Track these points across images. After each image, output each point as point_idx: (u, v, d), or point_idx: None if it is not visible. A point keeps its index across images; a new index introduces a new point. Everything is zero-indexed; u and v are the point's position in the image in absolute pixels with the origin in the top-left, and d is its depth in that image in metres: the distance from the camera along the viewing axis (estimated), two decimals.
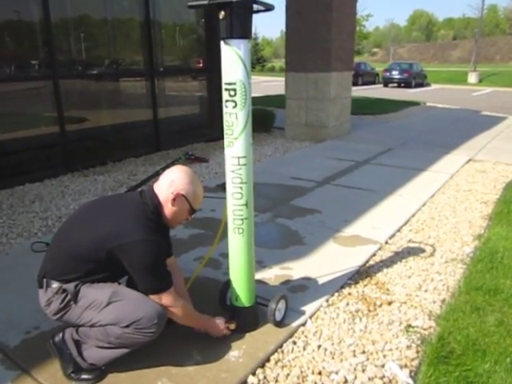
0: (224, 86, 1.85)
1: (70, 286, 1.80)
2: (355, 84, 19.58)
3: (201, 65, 7.48)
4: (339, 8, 6.92)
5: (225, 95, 1.86)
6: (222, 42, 1.80)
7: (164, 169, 5.04)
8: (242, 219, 2.02)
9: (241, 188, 1.97)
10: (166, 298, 1.81)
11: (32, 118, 5.20)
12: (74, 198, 4.28)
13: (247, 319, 2.18)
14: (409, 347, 2.12)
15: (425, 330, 2.25)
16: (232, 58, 1.79)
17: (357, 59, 29.02)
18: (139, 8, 6.08)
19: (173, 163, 5.33)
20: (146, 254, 1.74)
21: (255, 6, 1.80)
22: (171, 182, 1.87)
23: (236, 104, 1.84)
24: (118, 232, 1.74)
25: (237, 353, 2.03)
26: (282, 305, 2.24)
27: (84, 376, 1.85)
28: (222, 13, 1.73)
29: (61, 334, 1.90)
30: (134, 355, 1.99)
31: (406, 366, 2.00)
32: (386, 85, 25.32)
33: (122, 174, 5.16)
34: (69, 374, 1.86)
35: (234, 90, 1.82)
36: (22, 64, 5.17)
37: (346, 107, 7.82)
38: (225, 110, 1.88)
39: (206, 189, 4.55)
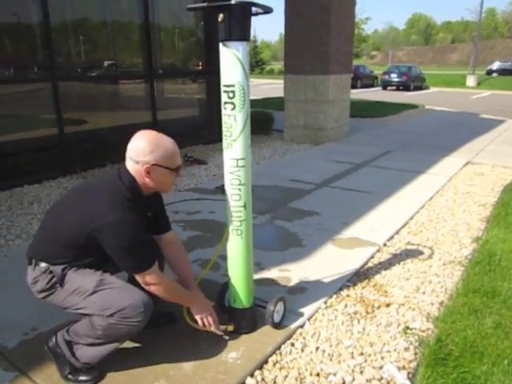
0: (223, 88, 1.86)
1: (57, 269, 1.79)
2: (354, 87, 19.58)
3: (200, 67, 7.49)
4: (338, 11, 6.94)
5: (223, 97, 1.87)
6: (220, 45, 1.80)
7: None
8: (240, 221, 2.02)
9: (239, 190, 1.97)
10: (148, 277, 1.77)
11: (31, 120, 5.20)
12: None
13: (245, 320, 2.19)
14: (407, 349, 2.12)
15: (423, 331, 2.25)
16: (231, 60, 1.80)
17: (355, 62, 29.11)
18: (138, 10, 6.09)
19: None
20: (121, 235, 1.69)
21: (254, 9, 1.80)
22: (136, 157, 1.77)
23: (235, 106, 1.85)
24: (93, 215, 1.69)
25: (235, 354, 2.03)
26: (280, 306, 2.24)
27: (82, 377, 1.85)
28: (221, 15, 1.74)
29: (54, 338, 1.90)
30: (131, 356, 1.99)
31: (403, 367, 2.00)
32: (384, 88, 25.36)
33: None
34: (66, 375, 1.85)
35: (233, 92, 1.83)
36: (21, 66, 5.17)
37: (344, 110, 7.84)
38: (223, 111, 1.89)
39: (205, 191, 4.56)
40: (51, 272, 1.79)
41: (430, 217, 3.91)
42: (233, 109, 1.86)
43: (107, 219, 1.67)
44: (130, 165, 1.79)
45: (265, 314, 2.19)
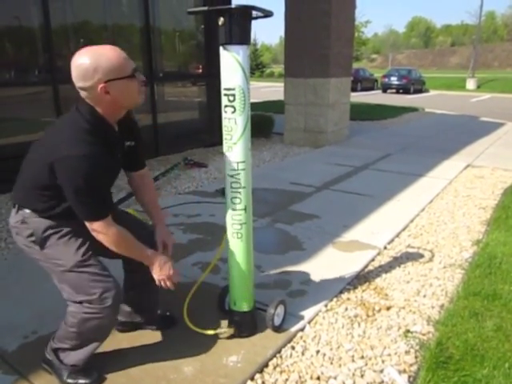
0: (223, 92, 1.87)
1: (39, 228, 1.70)
2: (354, 90, 19.62)
3: (200, 70, 7.51)
4: (338, 15, 6.96)
5: (224, 100, 1.87)
6: (221, 48, 1.81)
7: (163, 174, 5.07)
8: (240, 224, 2.03)
9: (240, 193, 1.97)
10: (97, 224, 1.64)
11: (32, 123, 5.21)
12: None
13: (245, 324, 2.18)
14: (407, 352, 2.11)
15: (423, 335, 2.25)
16: (231, 63, 1.80)
17: (356, 65, 29.18)
18: (139, 14, 6.12)
19: (172, 168, 5.35)
20: (74, 171, 1.54)
21: (254, 13, 1.81)
22: (85, 82, 1.57)
23: (235, 109, 1.85)
24: (51, 149, 1.59)
25: (235, 358, 2.02)
26: (280, 310, 2.24)
27: (81, 381, 1.85)
28: (222, 19, 1.74)
29: (45, 350, 1.91)
30: (132, 359, 1.99)
31: (404, 371, 1.99)
32: (384, 91, 25.42)
33: (121, 178, 5.16)
34: (65, 380, 1.85)
35: (233, 95, 1.84)
36: (22, 69, 5.18)
37: (344, 113, 7.85)
38: (224, 115, 1.89)
39: (205, 194, 4.56)
40: (31, 233, 1.71)
41: (430, 220, 3.91)
42: (233, 112, 1.86)
43: (63, 152, 1.55)
44: (84, 94, 1.62)
45: (265, 317, 2.19)
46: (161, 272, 1.81)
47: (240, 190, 1.97)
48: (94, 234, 1.66)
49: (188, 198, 4.41)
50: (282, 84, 7.73)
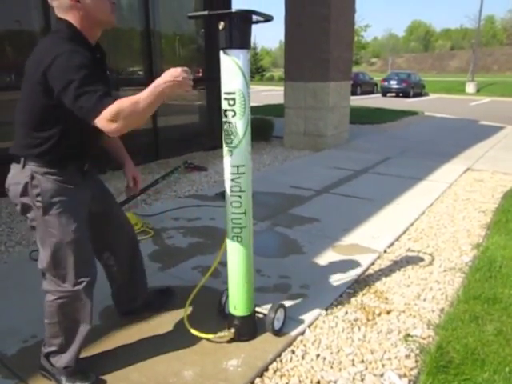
0: (223, 96, 1.87)
1: (47, 193, 1.68)
2: (354, 93, 19.67)
3: (200, 74, 7.52)
4: (337, 19, 6.98)
5: (224, 104, 1.88)
6: (221, 52, 1.82)
7: (163, 177, 5.07)
8: (240, 227, 2.03)
9: (239, 197, 1.98)
10: (107, 112, 1.49)
11: None
12: None
13: (245, 328, 2.18)
14: (408, 356, 2.11)
15: (424, 339, 2.25)
16: (231, 67, 1.81)
17: (355, 69, 29.22)
18: (139, 17, 6.14)
19: (172, 172, 5.36)
20: (67, 63, 1.50)
21: (254, 17, 1.82)
22: None
23: (235, 113, 1.86)
24: (40, 60, 1.56)
25: (235, 362, 2.02)
26: (280, 314, 2.23)
27: (78, 383, 1.85)
28: (222, 23, 1.75)
29: (40, 357, 1.92)
30: (132, 364, 1.99)
31: (404, 375, 1.99)
32: (384, 94, 25.46)
33: (121, 182, 5.16)
34: None
35: (233, 99, 1.84)
36: (22, 73, 5.19)
37: (344, 116, 7.86)
38: (224, 118, 1.90)
39: (205, 197, 4.56)
40: (39, 193, 1.68)
41: (430, 223, 3.91)
42: (233, 116, 1.87)
43: (52, 55, 1.52)
44: (56, 3, 1.63)
45: (265, 322, 2.19)
46: (169, 76, 1.63)
47: (240, 193, 1.97)
48: (111, 127, 1.51)
49: (188, 202, 4.41)
50: (282, 88, 7.75)
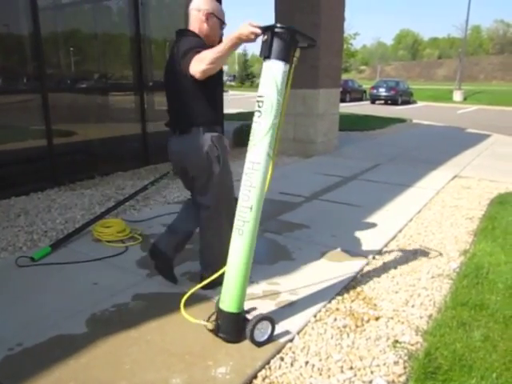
0: (256, 98, 2.03)
1: (224, 150, 2.46)
2: (343, 101, 19.84)
3: None
4: (327, 27, 7.05)
5: (255, 106, 2.04)
6: (263, 60, 1.99)
7: (152, 183, 5.04)
8: (243, 221, 2.08)
9: (249, 191, 2.06)
10: (207, 61, 2.15)
11: (19, 131, 5.17)
12: (61, 212, 4.24)
13: (228, 326, 2.16)
14: (396, 363, 2.11)
15: (412, 345, 2.25)
16: (265, 74, 1.99)
17: (344, 76, 29.47)
18: (129, 23, 6.13)
19: (161, 178, 5.33)
20: (190, 41, 2.31)
21: (300, 41, 2.00)
22: (198, 6, 2.40)
23: (261, 114, 2.00)
24: (178, 52, 2.32)
25: (224, 369, 2.00)
26: (262, 325, 2.17)
27: None
28: (264, 36, 1.96)
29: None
30: (118, 374, 1.96)
31: (393, 381, 1.99)
32: (373, 102, 25.70)
33: (110, 188, 5.14)
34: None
35: (262, 102, 2.00)
36: (11, 77, 5.15)
37: (333, 123, 7.91)
38: (253, 118, 2.05)
39: None
40: (219, 154, 2.41)
41: (418, 230, 3.94)
42: (259, 116, 2.01)
43: (185, 42, 2.33)
44: (194, 14, 2.41)
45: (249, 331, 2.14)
46: (247, 30, 1.99)
47: (250, 188, 2.05)
48: (202, 66, 2.16)
49: (177, 208, 4.38)
50: None
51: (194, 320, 2.24)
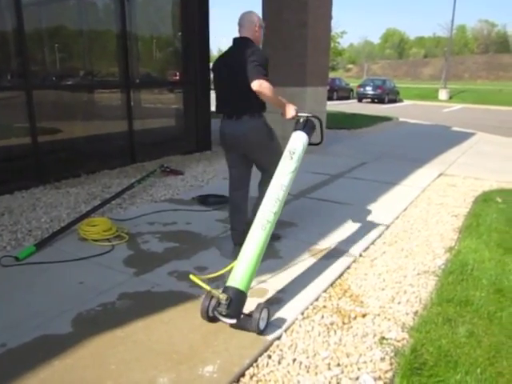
0: (287, 149, 2.92)
1: (271, 128, 3.38)
2: (330, 99, 19.88)
3: (177, 77, 7.48)
4: (315, 25, 7.05)
5: (287, 155, 2.88)
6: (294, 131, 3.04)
7: (139, 181, 5.01)
8: (267, 221, 2.54)
9: (276, 202, 2.63)
10: (264, 79, 2.94)
11: (3, 129, 5.08)
12: (46, 210, 4.19)
13: (233, 303, 2.20)
14: (383, 359, 2.13)
15: (398, 341, 2.27)
16: (298, 138, 3.02)
17: (332, 75, 29.57)
18: (115, 20, 6.06)
19: (148, 176, 5.30)
20: (258, 53, 3.00)
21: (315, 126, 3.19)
22: (251, 24, 3.13)
23: (292, 159, 2.85)
24: (243, 59, 2.94)
25: (211, 368, 2.00)
26: (265, 314, 2.26)
27: None
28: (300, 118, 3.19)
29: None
30: (104, 374, 1.95)
31: (380, 378, 2.01)
32: (360, 100, 25.85)
33: (96, 186, 5.08)
34: None
35: (294, 153, 2.89)
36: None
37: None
38: (285, 160, 2.85)
39: (182, 202, 4.53)
40: (268, 131, 3.28)
41: (404, 227, 3.97)
42: (290, 159, 2.86)
43: (253, 49, 3.03)
44: (251, 27, 3.14)
45: (251, 321, 2.21)
46: (289, 112, 3.31)
47: (277, 201, 2.61)
48: (261, 88, 2.93)
49: (164, 206, 4.37)
50: None
51: (207, 287, 2.33)
